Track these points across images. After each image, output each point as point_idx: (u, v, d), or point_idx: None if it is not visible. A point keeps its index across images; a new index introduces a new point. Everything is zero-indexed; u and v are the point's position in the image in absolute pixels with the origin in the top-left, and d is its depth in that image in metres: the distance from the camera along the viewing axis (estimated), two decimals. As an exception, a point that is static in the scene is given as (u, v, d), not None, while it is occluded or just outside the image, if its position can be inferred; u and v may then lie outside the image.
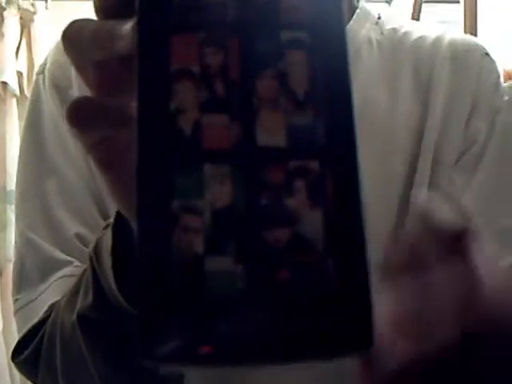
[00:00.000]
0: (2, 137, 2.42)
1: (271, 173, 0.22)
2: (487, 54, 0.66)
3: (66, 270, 0.58)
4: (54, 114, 0.63)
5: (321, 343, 0.21)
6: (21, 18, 2.55)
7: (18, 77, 2.46)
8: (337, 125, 0.23)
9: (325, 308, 0.21)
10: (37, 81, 0.66)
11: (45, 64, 0.66)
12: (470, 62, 0.65)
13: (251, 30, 0.23)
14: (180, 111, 0.22)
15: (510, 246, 0.59)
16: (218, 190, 0.22)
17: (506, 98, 0.68)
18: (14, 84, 2.43)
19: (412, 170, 0.61)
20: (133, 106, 0.28)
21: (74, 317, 0.47)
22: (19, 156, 0.66)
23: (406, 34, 0.67)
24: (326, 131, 0.22)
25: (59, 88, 0.63)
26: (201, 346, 0.20)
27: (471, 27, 1.50)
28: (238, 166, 0.22)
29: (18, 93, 2.45)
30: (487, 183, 0.63)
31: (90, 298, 0.45)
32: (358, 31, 0.66)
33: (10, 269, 2.34)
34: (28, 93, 2.47)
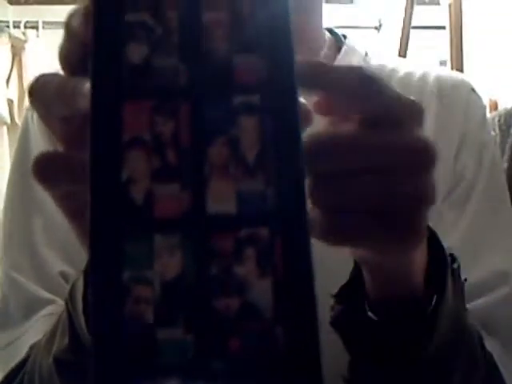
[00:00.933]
0: (-7, 163, 2.43)
1: (221, 241, 0.22)
2: (473, 90, 0.67)
3: (50, 309, 0.59)
4: (41, 149, 0.63)
5: None
6: (12, 46, 2.58)
7: (9, 104, 2.48)
8: (287, 190, 0.23)
9: (275, 375, 0.21)
10: (26, 116, 0.67)
11: None
12: (457, 98, 0.66)
13: (203, 95, 0.23)
14: (131, 180, 0.22)
15: (499, 285, 0.60)
16: (168, 261, 0.22)
17: (493, 133, 0.69)
18: (4, 112, 2.44)
19: None
20: None
21: (51, 360, 0.47)
22: (6, 191, 0.66)
23: (393, 70, 0.67)
24: (276, 197, 0.23)
25: None
26: None
27: (457, 53, 1.52)
28: (187, 236, 0.22)
29: (8, 121, 2.47)
30: (476, 220, 0.63)
31: (66, 341, 0.45)
32: None
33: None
34: (18, 120, 2.48)
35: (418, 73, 0.67)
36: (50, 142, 0.62)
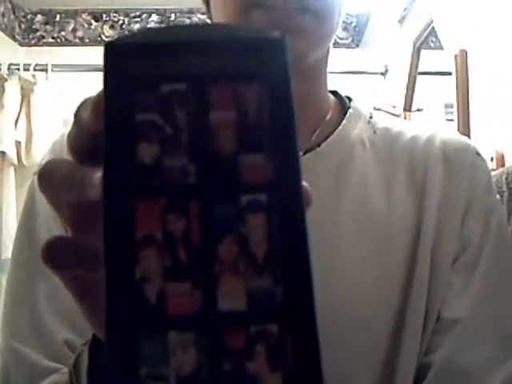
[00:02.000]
0: (-1, 205, 2.45)
1: (232, 338, 0.23)
2: (478, 154, 0.67)
3: (53, 378, 0.58)
4: (47, 214, 0.63)
5: None
6: (21, 88, 2.61)
7: (17, 146, 2.50)
8: (295, 287, 0.24)
9: None
10: (32, 181, 0.67)
11: (41, 163, 0.67)
12: (462, 163, 0.65)
13: (211, 194, 0.24)
14: (145, 279, 0.23)
15: (510, 350, 0.60)
16: (183, 357, 0.23)
17: (498, 197, 0.69)
18: (12, 153, 2.46)
19: (410, 272, 0.61)
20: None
21: None
22: (12, 256, 0.66)
23: (399, 133, 0.67)
24: (285, 294, 0.23)
25: None
26: None
27: (463, 100, 1.53)
28: (200, 333, 0.23)
29: (15, 162, 2.49)
30: (487, 285, 0.62)
31: None
32: (351, 131, 0.66)
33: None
34: (26, 161, 2.50)
35: (423, 136, 0.67)
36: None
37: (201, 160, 0.25)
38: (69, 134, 0.30)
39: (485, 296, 0.61)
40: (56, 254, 0.30)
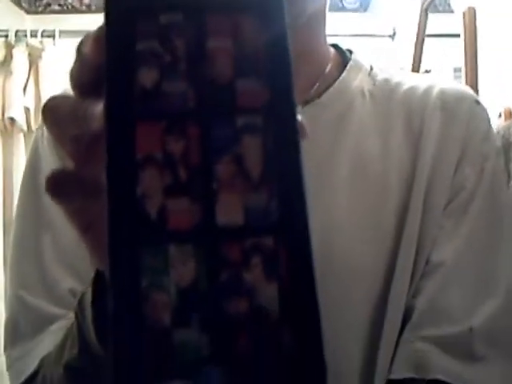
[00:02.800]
0: (10, 171, 2.47)
1: (230, 250, 0.24)
2: (477, 102, 0.67)
3: (60, 324, 0.59)
4: (51, 168, 0.64)
5: None
6: (29, 54, 2.61)
7: (26, 112, 2.51)
8: (289, 202, 0.25)
9: (282, 372, 0.23)
10: (36, 135, 0.68)
11: None
12: (460, 111, 0.66)
13: (210, 117, 0.25)
14: (146, 196, 0.24)
15: (494, 290, 0.61)
16: (182, 269, 0.24)
17: (499, 144, 0.69)
18: (21, 120, 2.48)
19: (402, 218, 0.62)
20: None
21: (61, 369, 0.48)
22: (17, 209, 0.67)
23: (397, 84, 0.68)
24: (280, 209, 0.25)
25: None
26: None
27: (472, 61, 1.52)
28: (199, 246, 0.24)
29: (25, 128, 2.50)
30: (476, 230, 0.63)
31: (76, 349, 0.46)
32: (351, 83, 0.67)
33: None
34: (34, 128, 2.52)
35: (422, 86, 0.67)
36: (60, 160, 0.63)
37: (199, 85, 0.26)
38: (71, 70, 0.31)
39: (472, 239, 0.63)
40: (60, 186, 0.31)
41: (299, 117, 0.26)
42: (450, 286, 0.61)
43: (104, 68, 0.26)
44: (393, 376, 0.58)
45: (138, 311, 0.23)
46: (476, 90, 1.68)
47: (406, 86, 0.68)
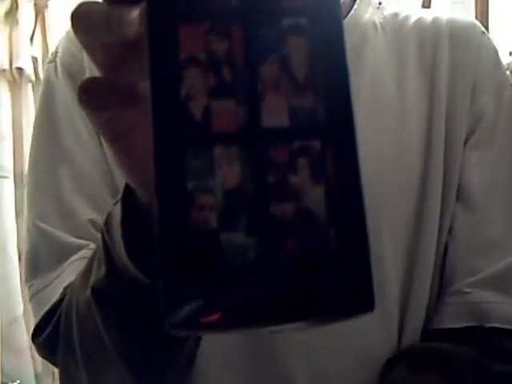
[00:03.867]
0: (19, 121, 2.46)
1: (276, 152, 0.24)
2: (484, 33, 0.68)
3: (81, 253, 0.59)
4: (67, 101, 0.64)
5: (325, 306, 0.23)
6: (35, 4, 2.58)
7: (33, 62, 2.49)
8: (335, 105, 0.24)
9: (329, 274, 0.23)
10: (48, 69, 0.68)
11: (56, 52, 0.67)
12: (469, 39, 0.67)
13: (254, 17, 0.25)
14: (190, 97, 0.24)
15: None
16: (228, 171, 0.23)
17: (508, 73, 0.69)
18: (29, 69, 2.46)
19: (427, 149, 0.63)
20: (139, 85, 0.29)
21: (89, 292, 0.47)
22: (32, 144, 0.67)
23: (406, 17, 0.70)
24: (326, 112, 0.24)
25: (72, 75, 0.65)
26: (216, 311, 0.22)
27: (482, 7, 1.50)
28: (245, 147, 0.24)
29: (33, 78, 2.48)
30: (502, 161, 0.64)
31: (103, 269, 0.45)
32: (362, 16, 0.68)
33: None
34: (42, 77, 2.50)
35: (429, 17, 0.69)
36: (75, 92, 0.63)
37: None
38: None
39: (499, 171, 0.64)
40: (92, 95, 0.30)
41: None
42: (483, 223, 0.62)
43: None
44: (449, 325, 0.60)
45: (184, 214, 0.23)
46: (486, 28, 1.66)
47: (414, 18, 0.69)
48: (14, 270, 2.30)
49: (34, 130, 0.68)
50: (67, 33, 0.68)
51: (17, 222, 2.36)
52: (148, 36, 0.25)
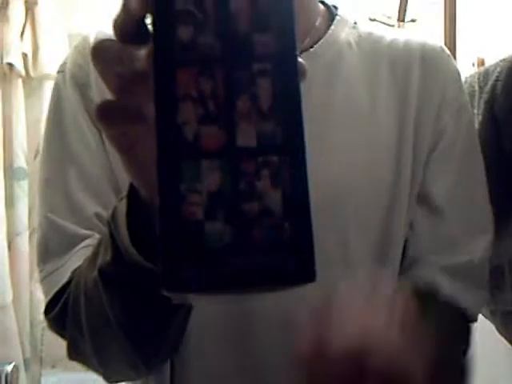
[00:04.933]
0: (9, 117, 2.51)
1: (246, 165, 0.32)
2: (450, 57, 0.77)
3: (87, 242, 0.67)
4: (74, 108, 0.71)
5: (280, 276, 0.32)
6: (25, 1, 2.63)
7: (23, 58, 2.54)
8: (291, 130, 0.33)
9: (283, 253, 0.32)
10: (57, 78, 0.75)
11: (65, 63, 0.74)
12: (438, 62, 0.75)
13: (232, 63, 0.33)
14: (184, 123, 0.33)
15: (478, 235, 0.73)
16: (212, 177, 0.32)
17: (470, 96, 0.79)
18: (19, 65, 2.51)
19: (396, 162, 0.72)
20: (144, 107, 0.37)
21: (96, 273, 0.54)
22: (43, 147, 0.74)
23: (381, 37, 0.77)
24: (283, 135, 0.33)
25: (79, 85, 0.72)
26: (201, 277, 0.31)
27: (451, 13, 1.58)
28: (224, 161, 0.32)
29: (23, 73, 2.54)
30: (459, 169, 0.74)
31: (109, 255, 0.51)
32: (339, 34, 0.76)
33: (17, 242, 2.45)
34: (33, 73, 2.56)
35: (402, 39, 0.77)
36: (81, 100, 0.70)
37: (224, 38, 0.34)
38: (115, 20, 0.37)
39: (460, 176, 0.74)
40: (106, 113, 0.38)
41: (301, 59, 0.34)
42: (445, 224, 0.72)
43: (152, 24, 0.34)
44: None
45: (178, 208, 0.32)
46: (453, 36, 1.74)
47: (388, 39, 0.77)
48: (4, 258, 2.36)
49: (44, 134, 0.75)
50: (75, 47, 0.74)
51: (6, 211, 2.42)
52: (153, 76, 0.33)
